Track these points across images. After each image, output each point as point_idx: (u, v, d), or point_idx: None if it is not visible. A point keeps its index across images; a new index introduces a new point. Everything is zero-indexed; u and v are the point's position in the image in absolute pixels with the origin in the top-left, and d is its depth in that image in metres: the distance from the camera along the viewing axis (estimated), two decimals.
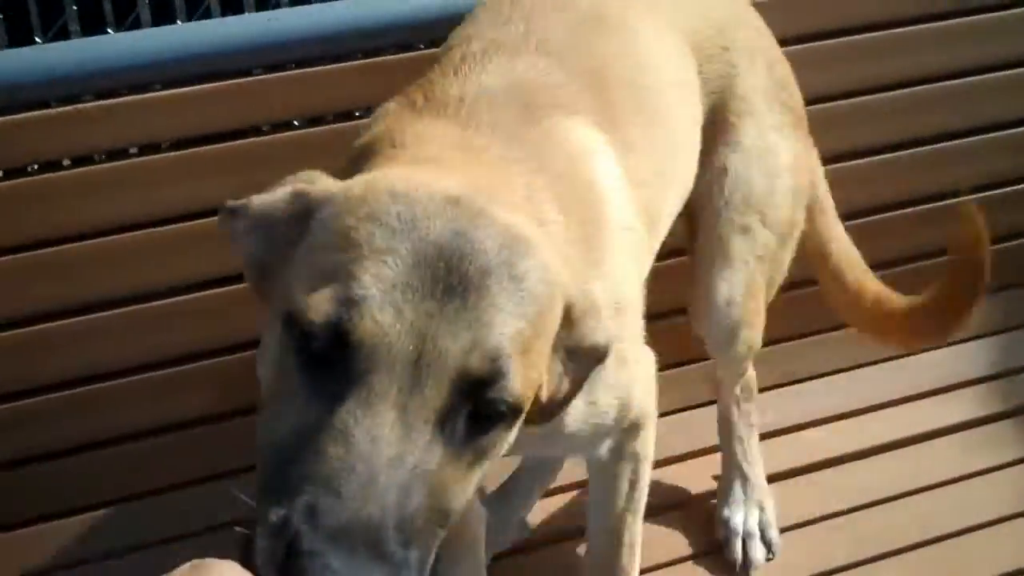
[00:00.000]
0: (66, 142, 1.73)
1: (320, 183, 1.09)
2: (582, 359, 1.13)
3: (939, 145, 2.18)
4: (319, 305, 0.95)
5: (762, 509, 1.95)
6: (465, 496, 1.00)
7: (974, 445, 2.11)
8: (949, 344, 2.21)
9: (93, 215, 1.75)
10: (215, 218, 1.77)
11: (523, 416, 1.03)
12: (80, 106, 1.72)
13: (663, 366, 1.52)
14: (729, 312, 1.73)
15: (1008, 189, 2.23)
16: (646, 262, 1.48)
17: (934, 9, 2.11)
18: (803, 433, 2.13)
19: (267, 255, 1.08)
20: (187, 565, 0.86)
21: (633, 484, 1.56)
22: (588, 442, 1.45)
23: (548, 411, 1.14)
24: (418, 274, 0.96)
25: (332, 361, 0.95)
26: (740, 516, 1.94)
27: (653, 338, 1.46)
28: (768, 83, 1.71)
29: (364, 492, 0.90)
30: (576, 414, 1.33)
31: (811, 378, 2.18)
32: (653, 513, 1.94)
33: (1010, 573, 1.88)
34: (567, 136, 1.31)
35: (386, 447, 0.92)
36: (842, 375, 2.21)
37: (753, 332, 1.78)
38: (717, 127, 1.66)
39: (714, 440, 2.04)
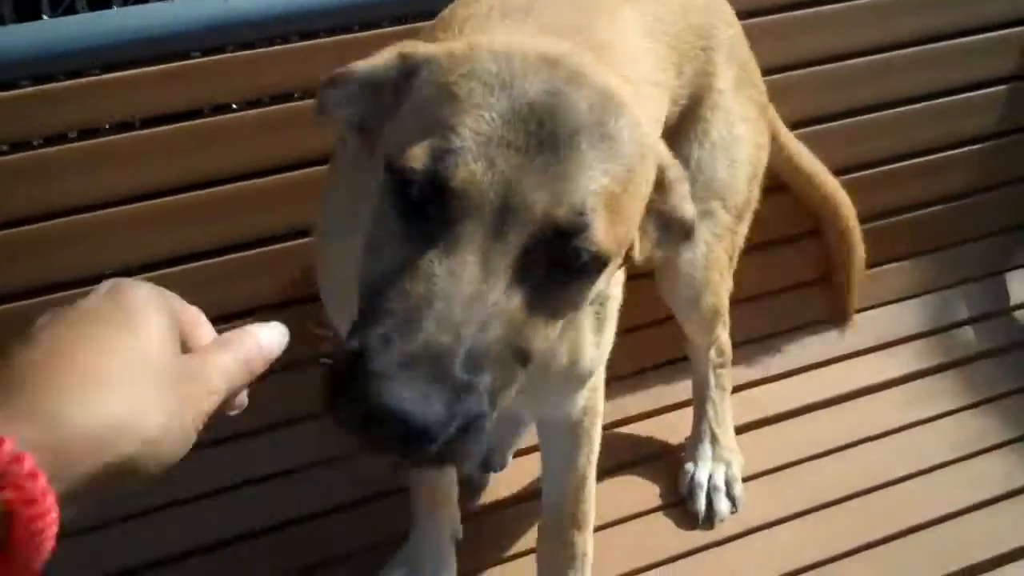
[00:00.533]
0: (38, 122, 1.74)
1: (422, 47, 1.14)
2: (672, 230, 1.17)
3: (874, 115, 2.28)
4: (418, 155, 1.00)
5: (728, 465, 2.05)
6: (546, 343, 1.05)
7: (915, 398, 2.22)
8: (885, 304, 2.35)
9: (72, 192, 1.77)
10: (204, 191, 1.81)
11: (608, 270, 1.07)
12: (46, 86, 1.73)
13: (629, 328, 1.60)
14: (693, 283, 1.84)
15: (939, 155, 2.34)
16: None
17: None
18: (752, 391, 2.23)
19: (372, 117, 1.13)
20: (106, 284, 0.84)
21: (592, 439, 1.65)
22: (579, 387, 1.52)
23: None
24: (512, 129, 1.00)
25: (426, 208, 0.99)
26: (706, 471, 2.03)
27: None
28: (740, 79, 1.79)
29: (439, 324, 0.94)
30: (590, 353, 1.42)
31: (753, 340, 2.27)
32: (617, 469, 2.05)
33: (951, 514, 2.00)
34: None
35: (465, 285, 0.96)
36: (783, 336, 2.31)
37: (716, 299, 1.89)
38: (690, 121, 1.73)
39: (673, 399, 2.15)
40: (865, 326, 2.33)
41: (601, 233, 1.01)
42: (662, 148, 1.14)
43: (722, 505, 2.01)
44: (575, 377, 1.48)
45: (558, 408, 1.60)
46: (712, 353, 2.05)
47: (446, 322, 0.94)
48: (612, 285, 1.41)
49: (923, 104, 2.27)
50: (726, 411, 2.10)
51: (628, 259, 1.14)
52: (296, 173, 1.87)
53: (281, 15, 1.77)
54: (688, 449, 2.09)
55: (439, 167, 0.99)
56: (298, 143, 1.85)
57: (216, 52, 1.80)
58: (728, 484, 2.03)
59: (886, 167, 2.29)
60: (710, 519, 2.00)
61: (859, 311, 2.32)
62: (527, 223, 0.98)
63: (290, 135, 1.84)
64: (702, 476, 2.03)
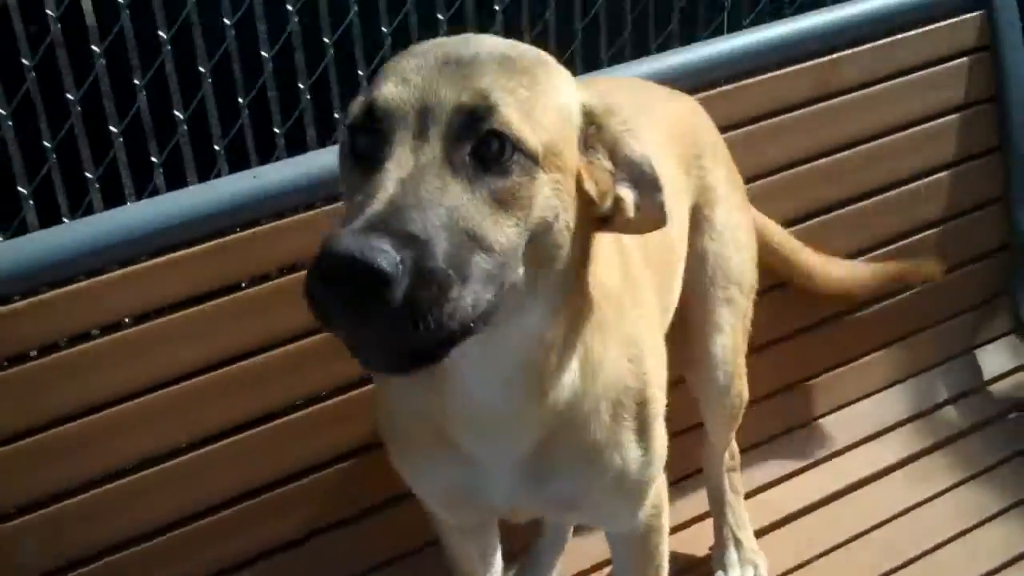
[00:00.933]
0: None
1: None
2: (632, 173, 1.28)
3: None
4: (355, 104, 1.20)
5: (756, 567, 2.12)
6: (498, 235, 1.13)
7: (913, 480, 2.32)
8: (871, 394, 2.47)
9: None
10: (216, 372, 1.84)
11: (548, 176, 1.18)
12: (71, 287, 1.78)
13: None
14: (725, 370, 1.97)
15: (901, 243, 2.47)
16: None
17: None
18: (763, 494, 2.30)
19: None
20: None
21: (657, 560, 1.72)
22: (636, 500, 1.58)
23: (632, 223, 1.30)
24: (426, 62, 1.17)
25: (371, 146, 1.15)
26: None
27: None
28: (726, 172, 1.95)
29: (383, 204, 1.07)
30: (632, 458, 1.50)
31: (757, 444, 2.35)
32: None
33: None
34: None
35: (402, 171, 1.10)
36: (783, 438, 2.40)
37: (743, 383, 2.03)
38: (697, 220, 1.88)
39: (692, 513, 2.22)
40: (857, 418, 2.43)
41: (511, 118, 1.14)
42: (587, 94, 1.28)
43: None
44: (627, 488, 1.54)
45: (616, 521, 1.66)
46: (727, 456, 2.13)
47: (389, 200, 1.07)
48: (654, 387, 1.50)
49: (882, 196, 2.42)
50: (744, 514, 2.18)
51: (587, 196, 1.24)
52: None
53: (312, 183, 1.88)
54: (715, 558, 2.15)
55: (369, 101, 1.15)
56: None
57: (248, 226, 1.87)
58: None
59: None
60: None
61: (849, 404, 2.44)
62: (442, 115, 1.13)
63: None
64: None
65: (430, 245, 1.05)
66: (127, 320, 1.83)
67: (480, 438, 1.43)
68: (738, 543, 2.15)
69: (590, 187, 1.25)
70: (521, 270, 1.18)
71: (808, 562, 2.15)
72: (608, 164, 1.27)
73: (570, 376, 1.38)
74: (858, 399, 2.46)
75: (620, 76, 2.15)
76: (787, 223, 2.29)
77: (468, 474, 1.49)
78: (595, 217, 1.29)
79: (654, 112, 1.83)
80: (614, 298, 1.42)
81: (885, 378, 2.48)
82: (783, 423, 2.40)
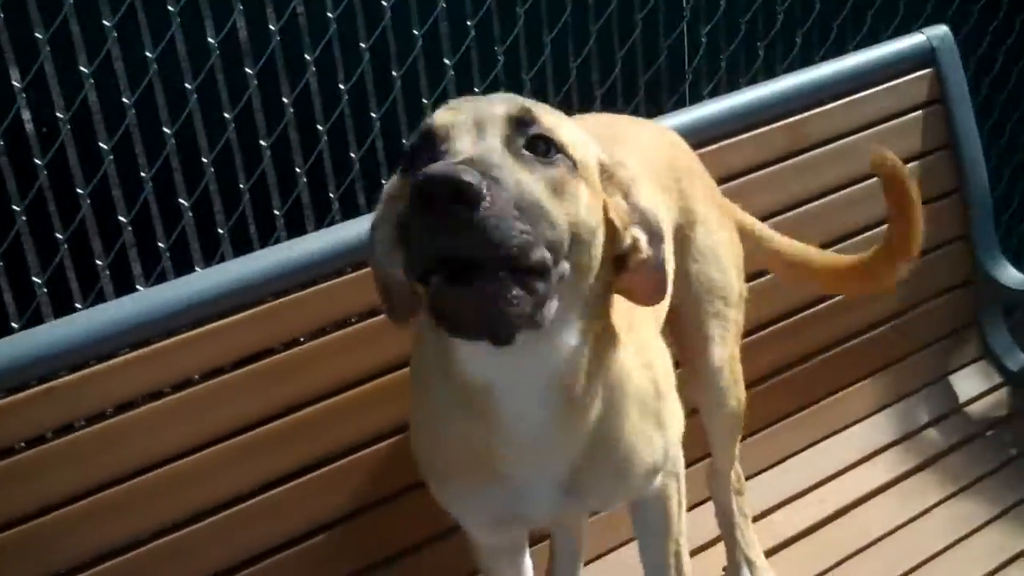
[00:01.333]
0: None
1: None
2: (642, 220, 1.44)
3: None
4: (413, 137, 1.39)
5: None
6: (558, 214, 1.29)
7: (906, 498, 2.50)
8: (859, 421, 2.66)
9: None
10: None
11: (584, 179, 1.35)
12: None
13: None
14: (722, 376, 2.12)
15: None
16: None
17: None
18: (765, 520, 2.47)
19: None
20: None
21: (679, 503, 1.87)
22: (652, 471, 1.71)
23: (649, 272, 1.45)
24: (470, 99, 1.39)
25: (431, 159, 1.30)
26: None
27: None
28: (704, 192, 2.10)
29: (464, 156, 1.25)
30: (657, 447, 1.66)
31: (755, 474, 2.52)
32: None
33: None
34: None
35: (469, 152, 1.28)
36: (779, 466, 2.57)
37: (740, 387, 2.18)
38: (679, 243, 2.01)
39: (702, 540, 2.37)
40: (846, 443, 2.62)
41: (552, 125, 1.34)
42: (603, 153, 1.45)
43: None
44: (650, 472, 1.70)
45: (635, 496, 1.80)
46: (733, 478, 2.29)
47: (469, 157, 1.25)
48: (665, 382, 1.67)
49: (852, 240, 2.62)
50: (753, 536, 2.34)
51: (613, 227, 1.40)
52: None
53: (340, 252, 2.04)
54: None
55: (425, 126, 1.35)
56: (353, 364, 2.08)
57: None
58: None
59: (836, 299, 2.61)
60: None
61: (840, 431, 2.63)
62: (496, 121, 1.31)
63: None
64: None
65: (507, 189, 1.21)
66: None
67: (521, 460, 1.53)
68: (750, 563, 2.31)
69: (614, 217, 1.40)
70: (569, 267, 1.31)
71: None
72: (624, 204, 1.43)
73: (599, 396, 1.51)
74: (847, 426, 2.65)
75: None
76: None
77: (511, 497, 1.59)
78: (613, 256, 1.43)
79: (628, 142, 1.95)
80: (624, 310, 1.54)
81: (870, 405, 2.68)
82: (779, 452, 2.57)
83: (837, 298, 2.60)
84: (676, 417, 1.73)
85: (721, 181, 2.38)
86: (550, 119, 1.35)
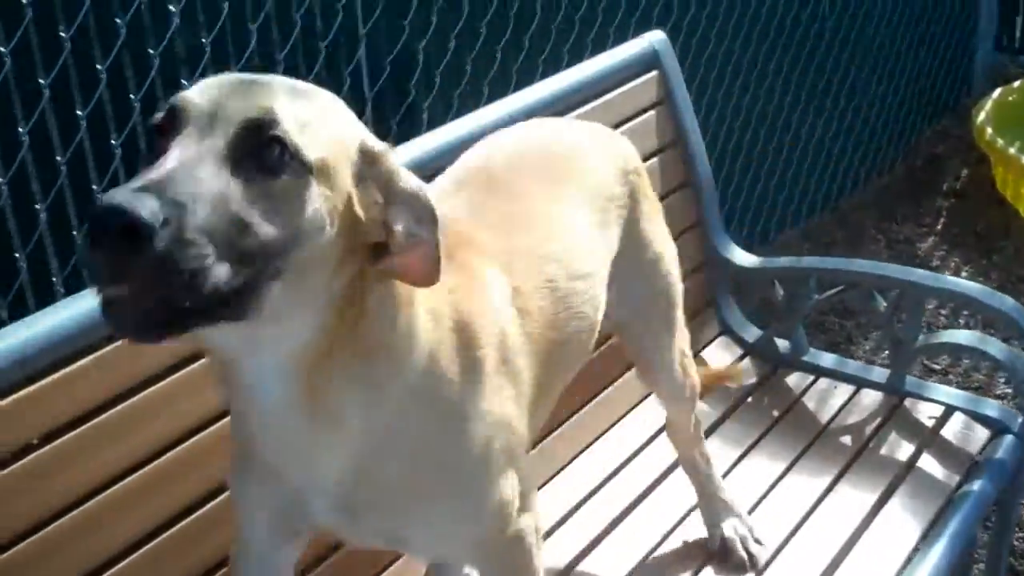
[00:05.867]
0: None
1: None
2: (408, 202, 1.42)
3: None
4: (159, 109, 1.35)
5: (740, 518, 2.46)
6: (265, 227, 1.26)
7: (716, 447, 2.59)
8: (629, 411, 2.83)
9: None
10: None
11: (315, 184, 1.31)
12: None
13: None
14: (677, 373, 2.33)
15: None
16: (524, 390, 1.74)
17: None
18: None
19: None
20: None
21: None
22: (473, 524, 1.69)
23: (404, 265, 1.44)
24: (226, 80, 1.35)
25: (166, 144, 1.29)
26: (731, 526, 2.44)
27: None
28: (651, 208, 2.22)
29: (157, 176, 1.21)
30: (453, 499, 1.63)
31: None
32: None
33: None
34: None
35: (182, 155, 1.24)
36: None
37: (694, 378, 2.40)
38: (627, 261, 2.13)
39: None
40: (621, 440, 2.78)
41: (290, 129, 1.29)
42: (365, 131, 1.44)
43: (755, 548, 2.42)
44: (459, 515, 1.66)
45: (460, 554, 1.82)
46: (692, 428, 2.45)
47: (166, 171, 1.21)
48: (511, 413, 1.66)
49: None
50: (718, 476, 2.52)
51: (356, 219, 1.39)
52: None
53: None
54: (705, 516, 2.49)
55: (171, 102, 1.33)
56: None
57: None
58: (750, 531, 2.44)
59: None
60: (755, 564, 2.41)
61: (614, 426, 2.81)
62: (230, 121, 1.27)
63: None
64: (730, 532, 2.43)
65: (192, 213, 1.18)
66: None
67: (279, 452, 1.53)
68: (722, 501, 2.48)
69: (359, 210, 1.39)
70: (287, 267, 1.29)
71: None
72: (379, 197, 1.41)
73: (357, 408, 1.47)
74: (619, 420, 2.80)
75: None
76: None
77: (288, 495, 1.60)
78: (368, 244, 1.41)
79: (572, 166, 2.02)
80: (428, 354, 1.52)
81: (639, 395, 2.84)
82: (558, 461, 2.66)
83: None
84: (511, 487, 1.67)
85: None
86: (294, 118, 1.31)
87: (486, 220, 1.81)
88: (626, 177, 2.13)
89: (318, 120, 1.36)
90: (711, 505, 2.48)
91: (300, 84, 1.40)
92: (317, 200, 1.32)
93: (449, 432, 1.60)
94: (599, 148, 2.15)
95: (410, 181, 1.44)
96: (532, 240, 1.84)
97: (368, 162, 1.41)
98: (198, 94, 1.32)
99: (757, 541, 2.44)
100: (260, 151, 1.28)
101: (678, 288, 2.30)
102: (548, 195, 1.94)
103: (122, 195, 1.15)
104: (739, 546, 2.41)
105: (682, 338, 2.35)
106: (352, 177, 1.39)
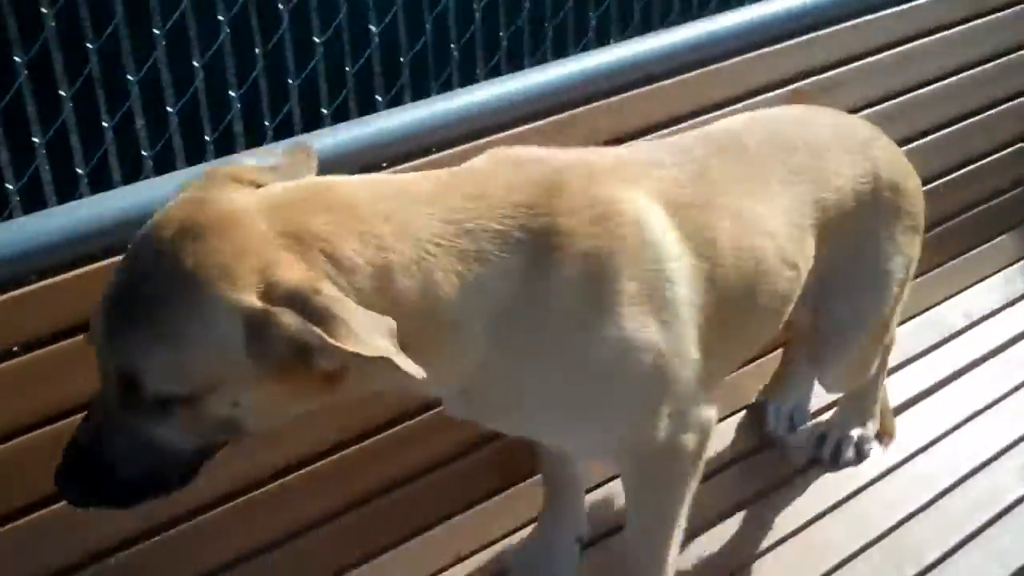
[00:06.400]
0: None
1: None
2: (310, 335, 1.28)
3: None
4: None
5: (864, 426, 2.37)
6: (171, 442, 1.40)
7: None
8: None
9: None
10: None
11: (202, 401, 1.34)
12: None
13: None
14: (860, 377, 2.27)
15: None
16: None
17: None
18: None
19: None
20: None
21: (674, 489, 1.78)
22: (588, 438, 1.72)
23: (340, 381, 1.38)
24: (100, 311, 1.36)
25: None
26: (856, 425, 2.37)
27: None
28: (901, 226, 2.09)
29: (81, 432, 1.42)
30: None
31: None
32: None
33: None
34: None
35: (95, 411, 1.42)
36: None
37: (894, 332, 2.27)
38: (848, 266, 2.04)
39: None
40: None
41: (158, 384, 1.32)
42: (244, 301, 1.29)
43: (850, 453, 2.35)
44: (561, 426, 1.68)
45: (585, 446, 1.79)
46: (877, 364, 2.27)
47: (85, 430, 1.41)
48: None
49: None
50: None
51: (287, 375, 1.34)
52: None
53: None
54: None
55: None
56: None
57: None
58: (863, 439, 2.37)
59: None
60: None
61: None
62: (110, 377, 1.36)
63: None
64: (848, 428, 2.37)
65: (109, 458, 1.40)
66: None
67: (455, 410, 1.71)
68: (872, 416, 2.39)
69: (280, 387, 1.35)
70: (208, 443, 1.44)
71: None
72: (288, 363, 1.32)
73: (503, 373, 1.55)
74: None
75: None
76: None
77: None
78: (315, 375, 1.34)
79: (815, 165, 1.93)
80: (555, 296, 1.52)
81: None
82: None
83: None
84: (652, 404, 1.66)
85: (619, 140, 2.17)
86: (155, 372, 1.32)
87: (701, 172, 1.75)
88: (876, 195, 2.03)
89: (184, 348, 1.32)
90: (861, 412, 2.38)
91: (163, 285, 1.32)
92: (211, 408, 1.36)
93: (577, 347, 1.57)
94: (849, 162, 2.01)
95: (286, 317, 1.29)
96: (744, 206, 1.78)
97: (256, 335, 1.30)
98: (92, 336, 1.38)
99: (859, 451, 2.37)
100: (138, 398, 1.34)
101: (895, 310, 2.15)
102: (778, 180, 1.88)
103: (59, 480, 1.43)
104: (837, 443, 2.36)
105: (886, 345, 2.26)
106: (248, 358, 1.32)
